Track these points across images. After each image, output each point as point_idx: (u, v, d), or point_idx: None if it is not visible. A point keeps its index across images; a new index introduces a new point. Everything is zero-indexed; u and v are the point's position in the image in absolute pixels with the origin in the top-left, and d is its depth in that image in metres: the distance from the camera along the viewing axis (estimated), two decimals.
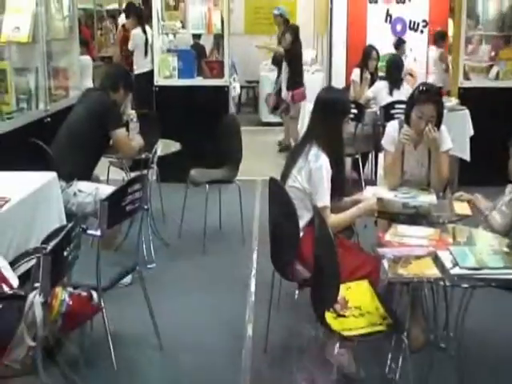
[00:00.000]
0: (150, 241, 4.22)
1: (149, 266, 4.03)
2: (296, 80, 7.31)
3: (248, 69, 9.84)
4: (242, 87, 10.15)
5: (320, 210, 2.81)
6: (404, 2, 8.42)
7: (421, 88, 3.41)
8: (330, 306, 2.48)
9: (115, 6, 11.17)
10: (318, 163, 2.94)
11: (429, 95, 3.30)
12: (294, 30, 7.43)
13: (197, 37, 8.00)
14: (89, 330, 2.95)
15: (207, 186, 4.34)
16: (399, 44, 7.63)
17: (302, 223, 2.92)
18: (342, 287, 2.59)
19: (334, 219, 2.95)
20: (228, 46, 6.14)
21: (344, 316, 2.51)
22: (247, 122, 8.51)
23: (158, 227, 4.55)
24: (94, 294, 2.49)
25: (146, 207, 3.09)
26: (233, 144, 4.49)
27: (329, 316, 2.48)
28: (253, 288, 3.81)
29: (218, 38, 7.08)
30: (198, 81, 6.11)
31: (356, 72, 6.26)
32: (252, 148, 7.18)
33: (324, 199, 2.93)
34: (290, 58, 7.33)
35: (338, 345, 2.40)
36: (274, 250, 2.95)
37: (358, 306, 2.55)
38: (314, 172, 2.93)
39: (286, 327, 3.23)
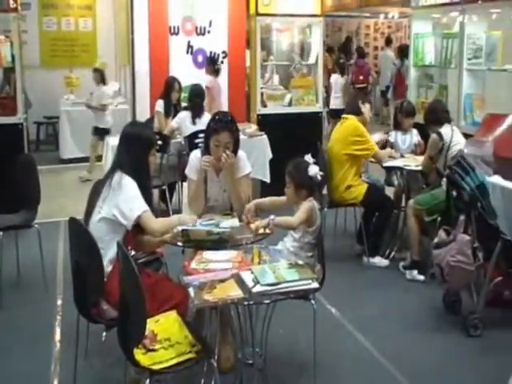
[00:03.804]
0: None
1: None
2: None
3: (46, 104, 9.43)
4: (40, 123, 9.74)
5: (142, 217, 2.91)
6: (204, 34, 8.80)
7: (215, 117, 3.61)
8: (138, 342, 2.48)
9: None
10: (123, 181, 2.96)
11: (223, 124, 3.50)
12: None
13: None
14: None
15: (1, 232, 4.07)
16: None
17: (110, 255, 2.90)
18: (151, 321, 2.61)
19: (160, 221, 3.05)
20: (20, 81, 5.86)
21: (154, 350, 2.52)
22: (47, 161, 8.13)
23: None
24: None
25: None
26: (30, 185, 4.28)
27: (138, 353, 2.47)
28: (58, 337, 3.64)
29: (9, 72, 6.68)
30: None
31: (160, 103, 6.36)
32: (53, 188, 6.93)
33: (141, 206, 2.95)
34: None
35: (148, 381, 2.40)
36: (78, 293, 2.86)
37: (167, 338, 2.57)
38: (123, 190, 2.94)
39: (94, 373, 3.14)
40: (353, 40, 15.22)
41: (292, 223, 3.17)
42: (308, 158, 3.33)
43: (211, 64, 7.52)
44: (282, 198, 3.41)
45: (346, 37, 15.39)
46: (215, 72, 7.41)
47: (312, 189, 3.27)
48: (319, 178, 3.26)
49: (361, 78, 11.04)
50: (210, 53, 7.83)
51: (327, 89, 9.76)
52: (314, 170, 3.24)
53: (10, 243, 4.39)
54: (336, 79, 9.94)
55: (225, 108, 6.76)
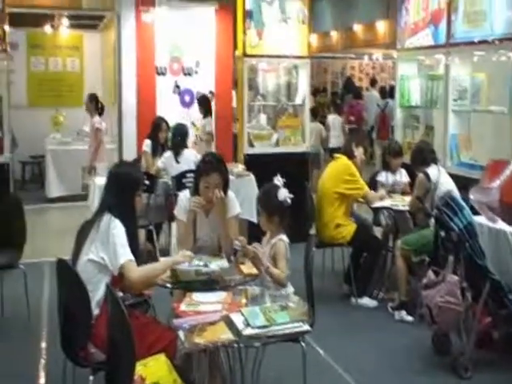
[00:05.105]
0: None
1: None
2: None
3: (32, 143, 9.44)
4: (25, 163, 9.74)
5: (125, 266, 2.87)
6: (191, 75, 8.97)
7: (205, 159, 3.67)
8: None
9: None
10: (111, 225, 2.96)
11: (212, 165, 3.56)
12: None
13: None
14: None
15: None
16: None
17: (97, 297, 2.90)
18: (139, 364, 2.59)
19: (141, 271, 2.97)
20: (8, 121, 5.90)
21: None
22: (33, 200, 8.10)
23: None
24: None
25: None
26: (15, 226, 4.29)
27: None
28: (42, 381, 3.58)
29: None
30: None
31: (147, 143, 6.39)
32: (39, 228, 6.88)
33: (126, 254, 2.92)
34: None
35: None
36: (65, 336, 2.84)
37: (155, 382, 2.55)
38: (110, 234, 2.93)
39: None
40: (353, 80, 15.67)
41: (282, 281, 3.18)
42: (277, 180, 3.38)
43: (92, 102, 7.39)
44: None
45: (346, 77, 15.81)
46: (98, 111, 7.30)
47: (283, 214, 3.31)
48: (289, 201, 3.30)
49: (351, 118, 11.13)
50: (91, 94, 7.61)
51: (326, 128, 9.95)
52: (283, 195, 3.29)
53: None
54: (333, 119, 10.12)
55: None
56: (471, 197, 4.03)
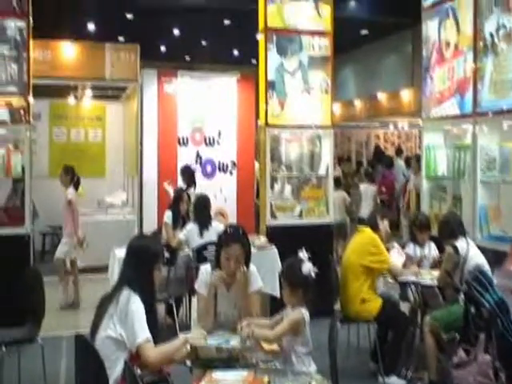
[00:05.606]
0: None
1: None
2: None
3: (52, 213, 9.64)
4: (45, 234, 9.91)
5: (142, 346, 2.92)
6: (213, 145, 9.21)
7: (226, 230, 3.75)
8: None
9: None
10: (130, 301, 3.02)
11: (234, 237, 3.63)
12: None
13: None
14: None
15: (4, 347, 4.10)
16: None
17: (115, 374, 2.92)
18: None
19: (158, 351, 3.00)
20: (29, 192, 6.04)
21: None
22: (52, 272, 8.15)
23: None
24: None
25: None
26: (34, 300, 4.35)
27: None
28: None
29: (18, 183, 6.90)
30: None
31: (168, 214, 6.48)
32: (57, 299, 6.95)
33: (144, 332, 2.97)
34: None
35: None
36: None
37: None
38: (129, 311, 2.99)
39: None
40: (381, 149, 15.96)
41: (268, 337, 3.21)
42: (302, 254, 3.41)
43: (68, 174, 7.35)
44: (277, 318, 3.44)
45: (375, 146, 16.14)
46: (74, 184, 7.28)
47: (307, 288, 3.32)
48: (313, 275, 3.32)
49: (383, 189, 11.06)
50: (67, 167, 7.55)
51: (357, 198, 10.02)
52: (307, 268, 3.31)
53: (12, 358, 4.39)
54: (365, 189, 10.21)
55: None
56: (495, 281, 4.00)
